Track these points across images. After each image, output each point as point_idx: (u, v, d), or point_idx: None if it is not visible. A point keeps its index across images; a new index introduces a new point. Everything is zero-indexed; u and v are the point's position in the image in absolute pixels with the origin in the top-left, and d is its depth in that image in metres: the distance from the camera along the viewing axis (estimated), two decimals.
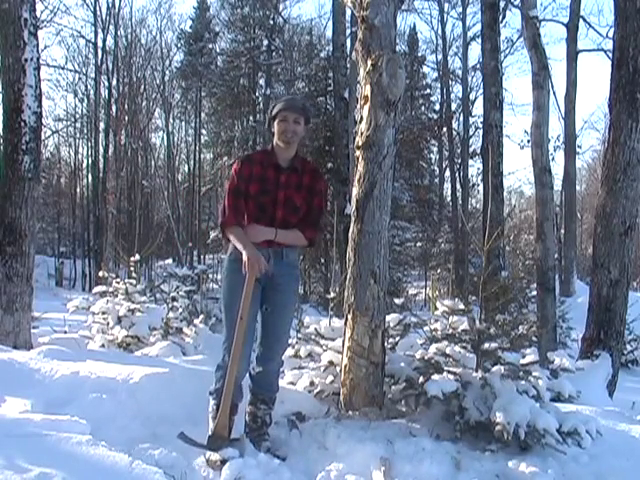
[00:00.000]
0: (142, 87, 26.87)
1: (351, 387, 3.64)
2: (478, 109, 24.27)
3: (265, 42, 25.58)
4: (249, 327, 3.20)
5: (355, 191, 3.72)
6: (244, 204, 3.24)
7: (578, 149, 18.06)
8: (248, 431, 3.32)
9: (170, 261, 25.24)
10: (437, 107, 27.54)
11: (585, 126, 43.26)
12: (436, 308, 4.22)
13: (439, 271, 24.58)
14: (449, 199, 26.80)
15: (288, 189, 3.24)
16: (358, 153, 3.72)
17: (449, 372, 3.52)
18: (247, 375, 3.33)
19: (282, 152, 3.27)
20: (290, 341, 5.02)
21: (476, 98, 24.74)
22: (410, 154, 23.53)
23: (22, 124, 6.10)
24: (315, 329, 4.37)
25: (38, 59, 6.30)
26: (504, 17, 12.53)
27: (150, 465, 2.68)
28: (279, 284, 3.25)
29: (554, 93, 15.33)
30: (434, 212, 26.56)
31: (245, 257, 3.11)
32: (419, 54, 28.11)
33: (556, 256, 13.00)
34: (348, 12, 15.86)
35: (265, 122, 3.43)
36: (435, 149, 28.46)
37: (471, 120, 23.99)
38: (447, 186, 27.29)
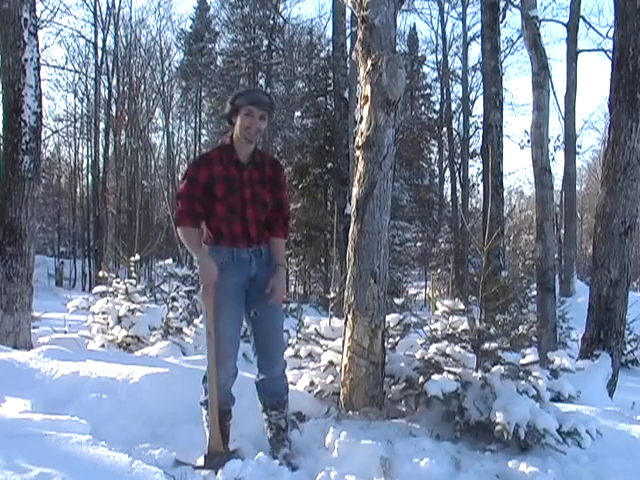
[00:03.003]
0: (142, 87, 26.88)
1: (351, 387, 3.64)
2: (478, 109, 24.31)
3: (265, 42, 25.63)
4: (238, 334, 3.17)
5: (355, 191, 3.72)
6: (200, 207, 3.09)
7: (578, 149, 18.08)
8: (268, 438, 3.25)
9: (170, 261, 25.19)
10: (437, 107, 27.56)
11: (585, 126, 43.16)
12: (436, 308, 4.22)
13: (439, 271, 24.61)
14: (449, 199, 26.82)
15: (254, 186, 3.11)
16: (358, 153, 3.72)
17: (449, 372, 3.52)
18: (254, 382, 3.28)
19: (242, 147, 3.09)
20: (290, 341, 5.04)
21: (476, 98, 24.77)
22: (410, 154, 23.53)
23: (22, 124, 6.10)
24: (315, 329, 4.37)
25: (38, 59, 6.31)
26: (504, 17, 12.54)
27: (150, 465, 2.67)
28: (262, 284, 3.14)
29: (554, 93, 15.35)
30: (434, 212, 26.58)
31: (198, 270, 3.07)
32: (419, 54, 28.14)
33: (556, 256, 13.00)
34: (348, 12, 15.87)
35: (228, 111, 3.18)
36: (435, 149, 28.49)
37: (471, 120, 24.04)
38: (447, 186, 27.36)
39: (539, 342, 5.14)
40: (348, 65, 16.36)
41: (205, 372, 3.19)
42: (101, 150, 24.34)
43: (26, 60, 6.12)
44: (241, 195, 3.10)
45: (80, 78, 26.17)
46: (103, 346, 6.14)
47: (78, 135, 28.55)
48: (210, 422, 3.07)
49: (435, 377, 3.49)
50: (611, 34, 7.97)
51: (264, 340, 3.21)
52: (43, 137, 13.69)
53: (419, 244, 24.84)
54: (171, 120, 29.26)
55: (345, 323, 3.72)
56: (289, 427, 3.29)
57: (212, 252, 3.13)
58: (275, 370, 3.24)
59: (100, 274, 7.89)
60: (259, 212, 3.15)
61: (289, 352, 4.52)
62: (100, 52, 23.71)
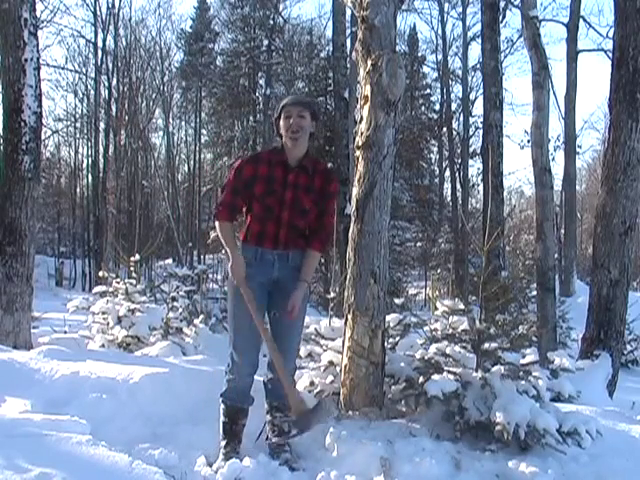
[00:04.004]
0: (142, 87, 26.88)
1: (351, 387, 3.64)
2: (478, 109, 24.29)
3: (265, 42, 25.61)
4: (255, 332, 3.15)
5: (355, 191, 3.72)
6: (241, 203, 3.19)
7: (578, 149, 18.03)
8: (269, 440, 3.26)
9: (170, 261, 25.22)
10: (437, 107, 27.53)
11: (585, 126, 43.16)
12: (436, 308, 4.22)
13: (439, 271, 24.58)
14: (449, 199, 26.80)
15: (296, 190, 3.14)
16: (358, 153, 3.72)
17: (449, 372, 3.52)
18: (262, 383, 3.30)
19: (291, 150, 3.15)
20: None
21: (476, 98, 24.75)
22: (410, 154, 23.54)
23: (22, 124, 6.10)
24: (315, 329, 4.36)
25: (38, 59, 6.31)
26: (504, 17, 12.54)
27: (150, 465, 2.68)
28: (286, 288, 3.14)
29: (554, 93, 15.33)
30: (434, 212, 26.56)
31: (229, 263, 3.10)
32: (419, 54, 28.12)
33: (556, 256, 13.00)
34: (348, 12, 15.85)
35: (265, 123, 3.32)
36: (435, 149, 28.47)
37: (471, 120, 23.99)
38: (447, 186, 27.32)
39: (539, 342, 5.13)
40: (348, 65, 16.36)
41: (225, 369, 3.23)
42: (101, 150, 24.33)
43: (26, 60, 6.12)
44: (280, 197, 3.12)
45: (80, 78, 26.19)
46: (103, 346, 6.13)
47: (78, 135, 28.58)
48: (286, 387, 3.08)
49: (435, 377, 3.49)
50: (611, 34, 7.99)
51: (278, 341, 3.19)
52: (43, 137, 13.70)
53: (419, 244, 24.84)
54: (171, 120, 29.27)
55: (345, 323, 3.72)
56: (291, 431, 3.28)
57: (240, 250, 3.18)
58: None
59: (100, 274, 7.88)
60: (295, 217, 3.15)
61: None
62: (100, 52, 23.71)
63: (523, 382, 3.46)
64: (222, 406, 3.22)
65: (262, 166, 3.15)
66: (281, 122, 3.17)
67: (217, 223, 3.22)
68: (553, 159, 16.92)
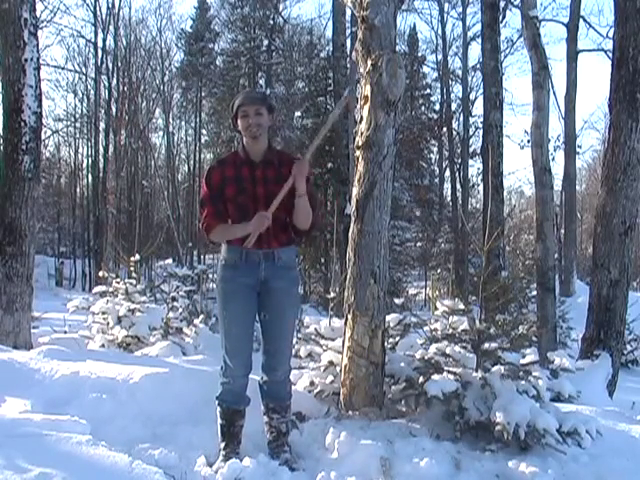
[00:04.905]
0: (142, 87, 26.89)
1: (351, 387, 3.64)
2: (478, 109, 24.29)
3: (265, 42, 25.64)
4: (245, 333, 3.14)
5: (355, 191, 3.72)
6: (224, 209, 3.15)
7: (578, 149, 18.02)
8: (268, 441, 3.25)
9: (170, 261, 25.22)
10: (437, 107, 27.53)
11: (585, 126, 43.18)
12: (436, 308, 4.22)
13: (439, 271, 24.57)
14: (449, 199, 26.81)
15: (267, 184, 3.11)
16: (358, 153, 3.72)
17: (449, 372, 3.52)
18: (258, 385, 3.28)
19: (252, 147, 3.14)
20: None
21: (476, 98, 24.76)
22: (410, 154, 23.49)
23: (22, 124, 6.10)
24: (315, 329, 4.37)
25: (38, 59, 6.31)
26: (504, 17, 12.53)
27: (150, 465, 2.68)
28: (273, 288, 3.11)
29: (554, 93, 15.32)
30: (434, 212, 26.55)
31: (250, 227, 3.01)
32: (419, 54, 28.10)
33: (556, 256, 13.00)
34: (348, 12, 15.90)
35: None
36: (435, 149, 28.45)
37: (471, 120, 24.00)
38: (447, 186, 27.34)
39: (539, 342, 5.14)
40: (348, 65, 16.36)
41: (219, 371, 3.22)
42: (101, 150, 24.34)
43: (26, 60, 6.12)
44: (253, 194, 3.11)
45: (80, 78, 26.23)
46: (103, 346, 6.13)
47: (78, 135, 28.58)
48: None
49: (435, 377, 3.49)
50: (611, 34, 7.98)
51: (269, 344, 3.19)
52: (43, 137, 13.71)
53: (419, 244, 24.83)
54: (171, 120, 29.30)
55: (345, 323, 3.72)
56: (290, 432, 3.28)
57: (226, 251, 3.16)
58: (277, 374, 3.21)
59: (100, 274, 7.88)
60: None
61: None
62: (100, 52, 23.75)
63: (523, 382, 3.46)
64: (218, 408, 3.20)
65: (228, 168, 3.16)
66: (239, 122, 3.14)
67: (212, 234, 3.17)
68: (553, 159, 16.93)
